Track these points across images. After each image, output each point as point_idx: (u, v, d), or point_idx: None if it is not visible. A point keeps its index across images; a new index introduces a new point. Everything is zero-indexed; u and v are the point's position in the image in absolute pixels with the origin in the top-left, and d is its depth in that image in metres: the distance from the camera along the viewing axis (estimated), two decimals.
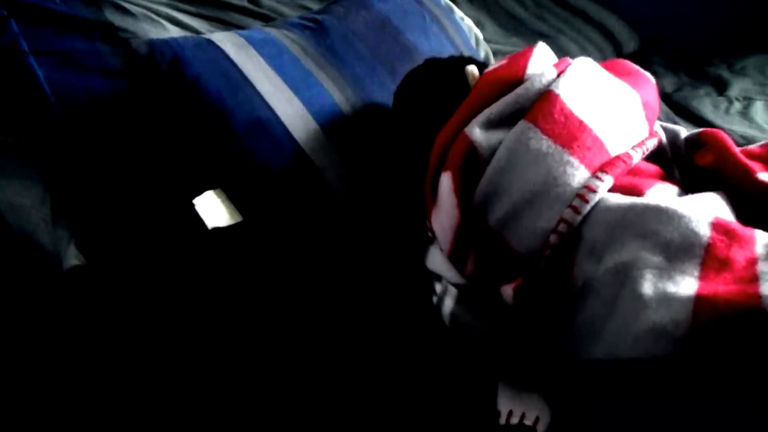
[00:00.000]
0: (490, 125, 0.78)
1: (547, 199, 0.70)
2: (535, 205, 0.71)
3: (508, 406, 0.67)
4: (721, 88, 1.62)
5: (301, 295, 0.86)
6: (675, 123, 1.41)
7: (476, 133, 0.77)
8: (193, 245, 0.92)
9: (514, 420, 0.65)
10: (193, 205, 0.90)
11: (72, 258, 0.89)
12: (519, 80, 0.81)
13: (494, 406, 0.68)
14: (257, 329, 0.82)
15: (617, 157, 0.73)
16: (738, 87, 1.61)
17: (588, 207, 0.68)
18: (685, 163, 0.84)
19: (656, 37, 1.95)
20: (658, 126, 0.88)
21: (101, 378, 0.80)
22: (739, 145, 1.29)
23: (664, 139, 0.86)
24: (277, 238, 0.94)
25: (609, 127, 0.75)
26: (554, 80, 0.78)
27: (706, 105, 1.50)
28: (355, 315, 0.83)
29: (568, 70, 0.80)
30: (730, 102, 1.52)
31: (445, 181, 0.78)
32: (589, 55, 1.67)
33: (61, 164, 0.96)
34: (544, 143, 0.72)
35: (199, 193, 0.92)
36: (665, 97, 1.57)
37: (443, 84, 0.96)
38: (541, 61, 0.85)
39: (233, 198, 0.95)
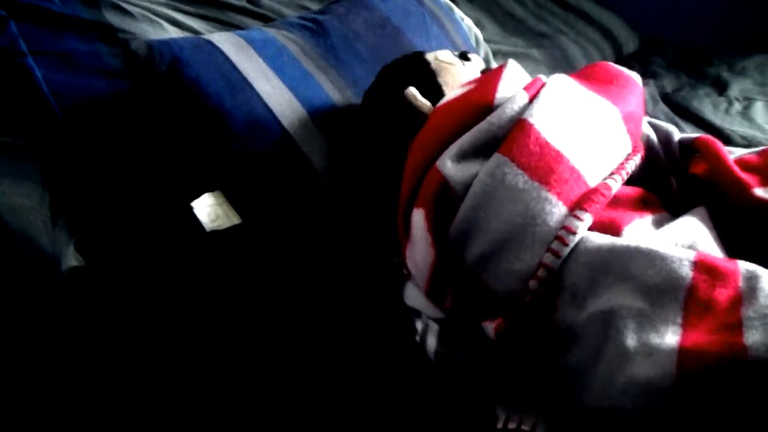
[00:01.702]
0: (463, 157, 0.74)
1: (525, 239, 0.68)
2: (513, 246, 0.68)
3: (506, 410, 0.66)
4: (721, 88, 1.62)
5: (299, 297, 0.86)
6: (675, 123, 1.40)
7: (448, 166, 0.73)
8: (192, 247, 0.92)
9: (512, 425, 0.65)
10: (191, 208, 0.90)
11: (71, 259, 0.89)
12: (489, 106, 0.77)
13: (492, 409, 0.68)
14: (254, 332, 0.82)
15: (595, 190, 0.70)
16: (738, 87, 1.60)
17: (567, 250, 0.66)
18: (680, 169, 0.82)
19: (656, 37, 1.95)
20: (648, 127, 0.85)
21: (100, 379, 0.80)
22: (739, 145, 1.30)
23: (655, 140, 0.84)
24: (276, 240, 0.94)
25: (586, 155, 0.72)
26: (527, 106, 0.74)
27: (706, 105, 1.50)
28: (347, 321, 0.83)
29: (542, 93, 0.76)
30: (730, 102, 1.52)
31: (418, 218, 0.74)
32: (589, 55, 1.69)
33: (61, 165, 0.96)
34: (521, 179, 0.68)
35: (197, 195, 0.92)
36: (665, 97, 1.56)
37: (398, 88, 0.93)
38: (511, 84, 0.81)
39: (232, 199, 0.95)
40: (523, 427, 0.65)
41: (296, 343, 0.81)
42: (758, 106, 1.48)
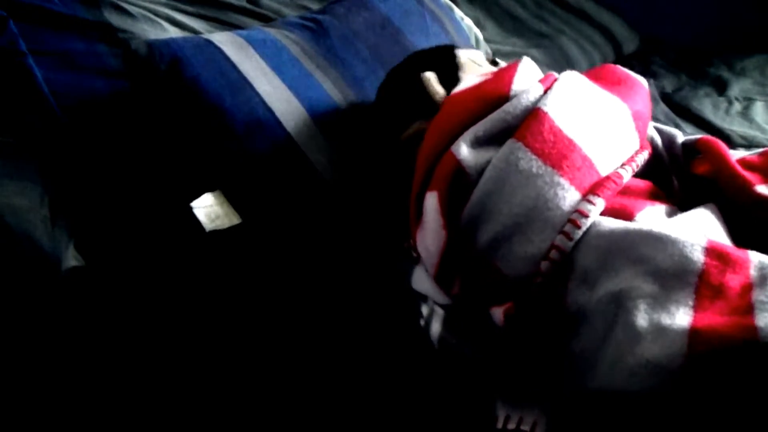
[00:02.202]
0: (478, 143, 0.75)
1: (538, 223, 0.68)
2: (526, 229, 0.69)
3: (506, 410, 0.67)
4: (721, 88, 1.62)
5: (300, 294, 0.86)
6: (675, 123, 1.40)
7: (463, 151, 0.74)
8: (192, 247, 0.92)
9: (512, 425, 0.65)
10: (191, 208, 0.90)
11: (71, 259, 0.89)
12: (505, 96, 0.79)
13: (491, 409, 0.68)
14: (254, 331, 0.82)
15: (607, 178, 0.71)
16: (738, 87, 1.61)
17: (580, 233, 0.66)
18: (682, 170, 0.83)
19: (656, 37, 1.95)
20: (652, 129, 0.86)
21: (99, 379, 0.80)
22: (739, 145, 1.30)
23: (659, 142, 0.85)
24: (275, 240, 0.94)
25: (598, 145, 0.74)
26: (541, 97, 0.76)
27: (706, 105, 1.50)
28: (349, 320, 0.83)
29: (555, 86, 0.77)
30: (730, 102, 1.52)
31: (431, 201, 0.75)
32: (589, 55, 1.69)
33: (60, 165, 0.96)
34: (534, 164, 0.70)
35: (197, 194, 0.92)
36: (665, 97, 1.56)
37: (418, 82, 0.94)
38: (526, 77, 0.83)
39: (232, 199, 0.95)
40: (523, 427, 0.65)
41: (298, 336, 0.81)
42: (758, 106, 1.48)
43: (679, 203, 0.78)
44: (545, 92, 0.77)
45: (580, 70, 1.65)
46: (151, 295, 0.88)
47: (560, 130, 0.72)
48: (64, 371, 0.82)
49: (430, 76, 0.92)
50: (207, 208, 0.92)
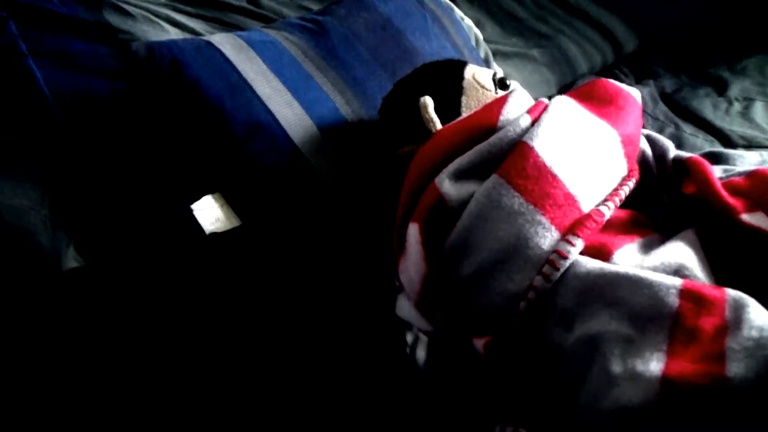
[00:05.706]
0: (461, 176, 0.75)
1: (518, 261, 0.69)
2: (506, 267, 0.69)
3: (501, 420, 0.66)
4: (721, 88, 1.62)
5: (296, 298, 0.87)
6: (675, 123, 1.41)
7: (446, 184, 0.74)
8: (192, 247, 0.92)
9: (509, 429, 0.65)
10: (191, 210, 0.90)
11: (71, 260, 0.90)
12: (492, 128, 0.79)
13: (487, 418, 0.68)
14: (253, 333, 0.82)
15: (589, 216, 0.71)
16: (738, 87, 1.60)
17: (558, 274, 0.67)
18: (672, 187, 0.83)
19: (656, 37, 1.94)
20: (644, 141, 0.86)
21: (99, 379, 0.81)
22: (739, 145, 1.30)
23: (650, 155, 0.85)
24: (275, 242, 0.94)
25: (583, 180, 0.74)
26: (528, 129, 0.76)
27: (706, 105, 1.50)
28: (341, 330, 0.83)
29: (543, 117, 0.77)
30: (730, 102, 1.52)
31: (413, 232, 0.76)
32: (589, 55, 1.69)
33: (60, 165, 0.96)
34: (516, 201, 0.70)
35: (197, 196, 0.92)
36: (665, 97, 1.56)
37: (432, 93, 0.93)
38: (515, 108, 0.82)
39: (232, 201, 0.95)
40: (521, 431, 0.65)
41: (291, 345, 0.81)
42: (758, 106, 1.48)
43: (668, 221, 0.78)
44: (533, 123, 0.77)
45: (580, 71, 1.66)
46: (151, 296, 0.88)
47: (544, 165, 0.72)
48: (64, 372, 0.82)
49: (428, 103, 0.90)
50: (207, 211, 0.92)
